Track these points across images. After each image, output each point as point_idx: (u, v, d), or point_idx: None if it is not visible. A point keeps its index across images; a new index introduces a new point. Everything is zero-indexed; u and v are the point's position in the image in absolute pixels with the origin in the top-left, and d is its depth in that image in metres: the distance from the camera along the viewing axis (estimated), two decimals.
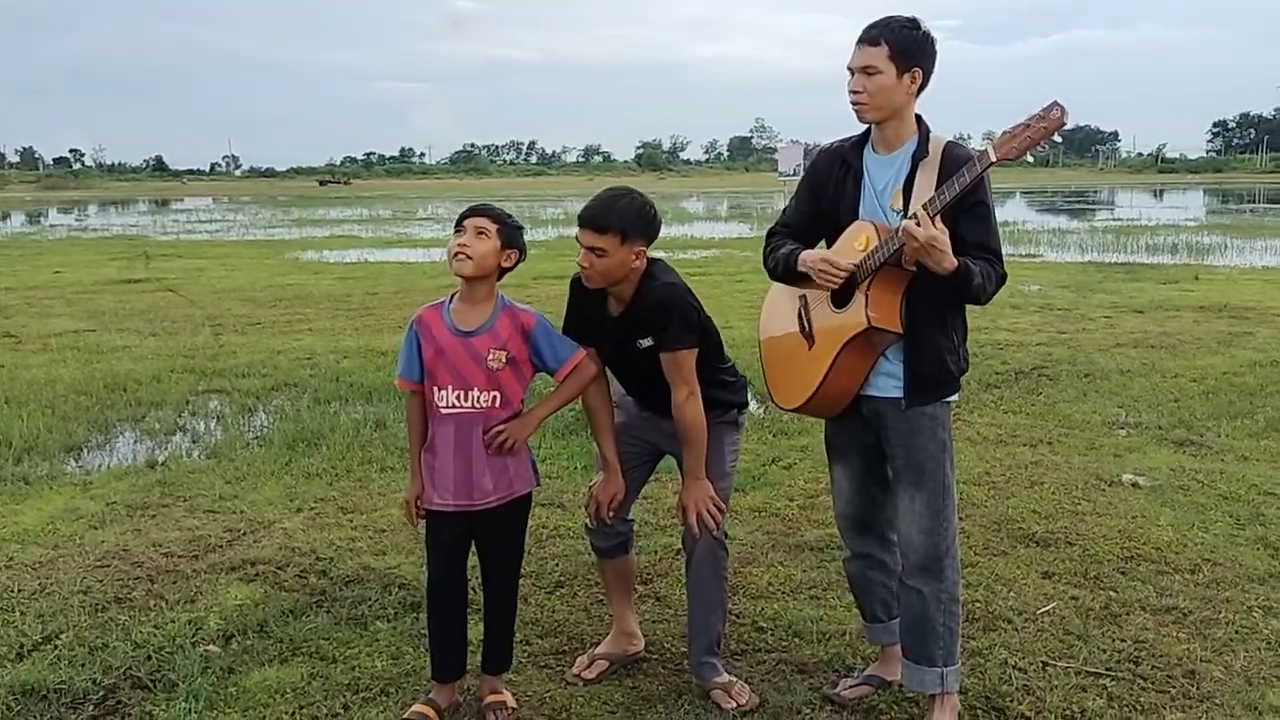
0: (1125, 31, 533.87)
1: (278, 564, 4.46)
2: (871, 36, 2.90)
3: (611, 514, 3.41)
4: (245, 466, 5.91)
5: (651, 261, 3.27)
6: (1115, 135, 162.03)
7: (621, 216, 3.14)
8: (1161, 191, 57.81)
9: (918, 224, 2.72)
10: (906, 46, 2.88)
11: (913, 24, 2.90)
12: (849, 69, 2.94)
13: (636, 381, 3.45)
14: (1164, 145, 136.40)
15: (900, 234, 2.77)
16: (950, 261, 2.76)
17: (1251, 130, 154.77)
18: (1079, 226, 27.15)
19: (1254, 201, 43.02)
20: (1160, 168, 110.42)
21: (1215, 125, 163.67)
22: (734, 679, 3.41)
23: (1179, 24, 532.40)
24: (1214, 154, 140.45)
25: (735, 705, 3.32)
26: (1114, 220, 30.74)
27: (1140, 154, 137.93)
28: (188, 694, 3.36)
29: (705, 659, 3.41)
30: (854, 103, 2.94)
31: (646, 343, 3.25)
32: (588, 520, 3.52)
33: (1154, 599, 4.05)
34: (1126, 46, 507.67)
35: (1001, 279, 2.92)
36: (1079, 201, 44.82)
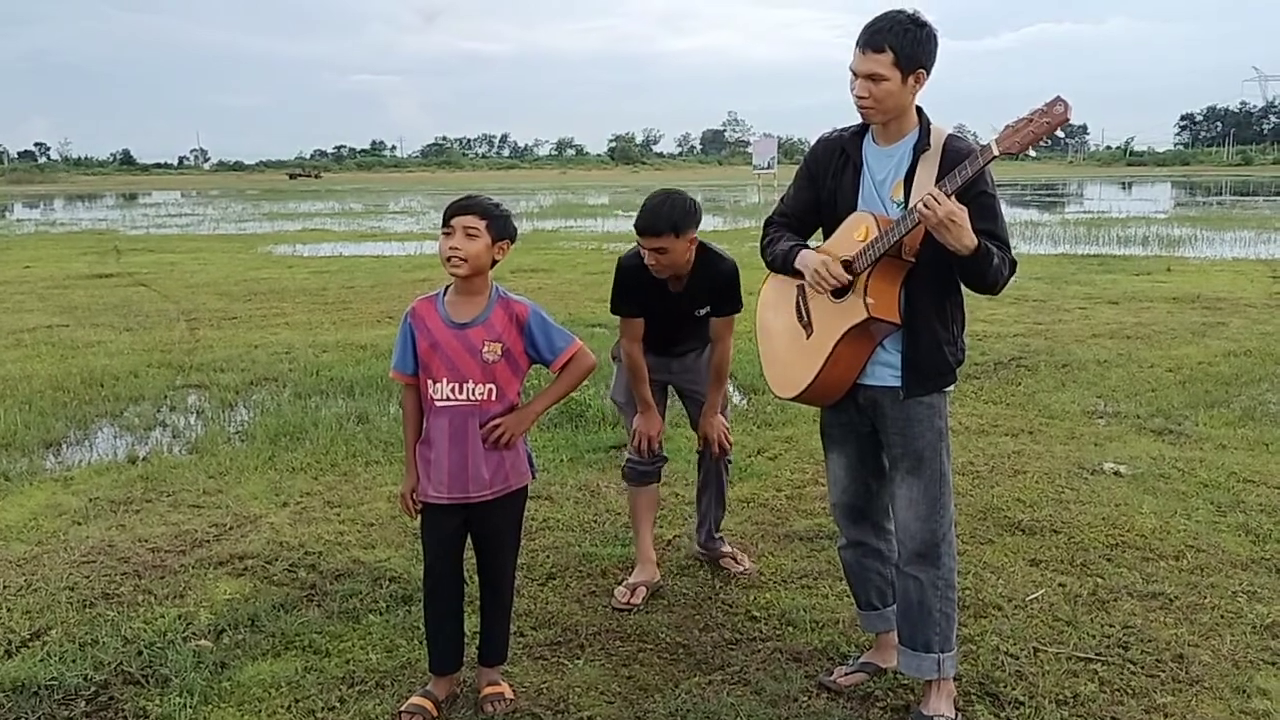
0: (1094, 26, 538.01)
1: (266, 558, 4.44)
2: (876, 43, 2.84)
3: (658, 445, 4.10)
4: (228, 461, 5.87)
5: (702, 242, 3.91)
6: (1084, 128, 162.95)
7: (669, 218, 3.73)
8: (1130, 184, 58.30)
9: (936, 200, 2.72)
10: (912, 51, 2.84)
11: (916, 23, 2.85)
12: (852, 70, 2.91)
13: (669, 339, 4.10)
14: (1132, 138, 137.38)
15: (916, 212, 2.77)
16: (970, 238, 2.76)
17: (1218, 123, 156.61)
18: (1050, 219, 27.32)
19: (1221, 193, 43.48)
20: (1129, 160, 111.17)
21: (1182, 119, 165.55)
22: (734, 549, 4.33)
23: (1148, 18, 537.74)
24: (1181, 147, 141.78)
25: (743, 569, 4.23)
26: (1085, 213, 30.97)
27: (1109, 147, 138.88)
28: (181, 689, 3.34)
29: (716, 534, 4.34)
30: (860, 106, 2.93)
31: (703, 311, 3.98)
32: (630, 456, 4.16)
33: (1140, 585, 4.10)
34: (1095, 40, 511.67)
35: (1013, 266, 2.93)
36: (1049, 194, 45.15)
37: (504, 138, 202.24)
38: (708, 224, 27.53)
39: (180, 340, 9.93)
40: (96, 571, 4.31)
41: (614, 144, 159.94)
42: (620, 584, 4.08)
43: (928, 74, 2.91)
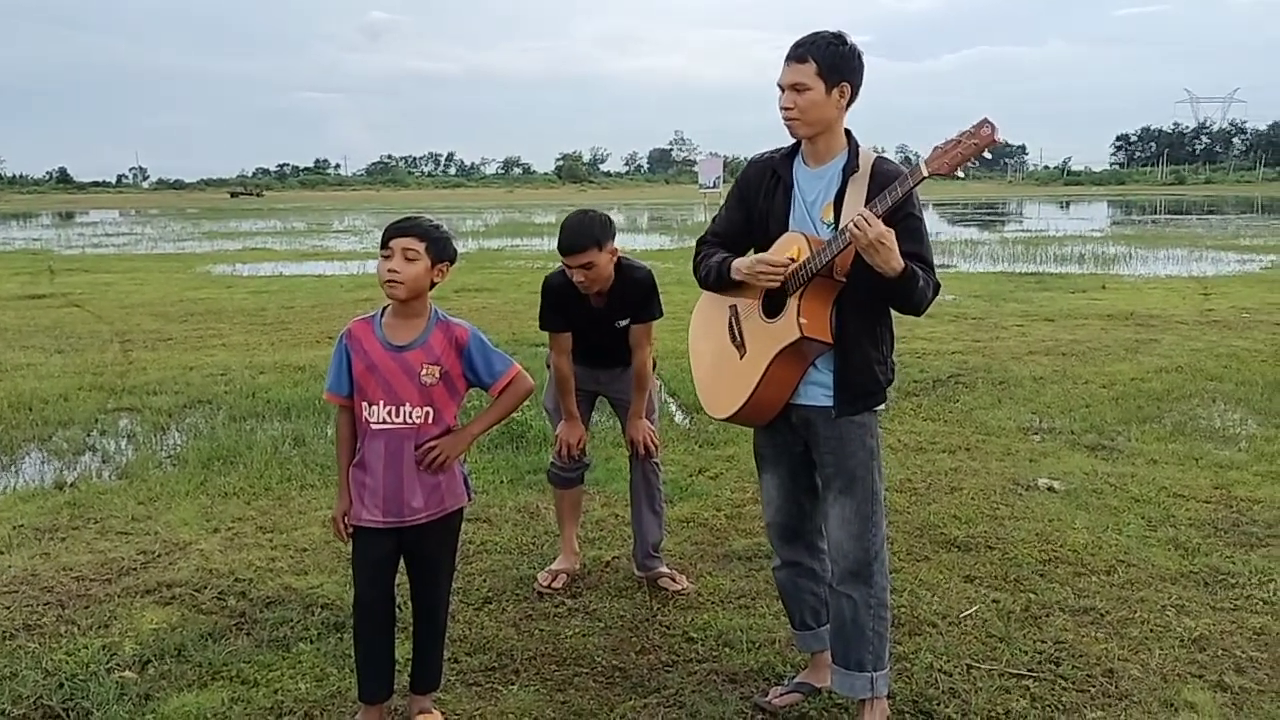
0: (1032, 48, 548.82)
1: (195, 586, 4.34)
2: (799, 54, 2.94)
3: (579, 452, 4.31)
4: (158, 486, 5.74)
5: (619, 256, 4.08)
6: (1023, 149, 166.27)
7: (590, 233, 3.95)
8: (1068, 203, 59.36)
9: (867, 222, 2.75)
10: (834, 62, 2.92)
11: (839, 40, 2.94)
12: (779, 85, 2.98)
13: (595, 351, 4.25)
14: (1069, 158, 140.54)
15: (847, 233, 2.80)
16: (898, 260, 2.80)
17: (1152, 144, 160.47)
18: (990, 237, 27.75)
19: (1155, 212, 44.49)
20: (1066, 180, 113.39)
21: (1118, 139, 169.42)
22: (671, 570, 4.37)
23: (1084, 41, 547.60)
24: (1117, 167, 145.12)
25: (680, 588, 4.26)
26: (1023, 231, 31.50)
27: (1047, 167, 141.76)
28: None
29: (653, 555, 4.37)
30: (786, 119, 2.99)
31: (624, 322, 4.13)
32: (554, 460, 4.39)
33: (1072, 600, 4.15)
34: (1033, 62, 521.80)
35: (937, 288, 2.98)
36: (989, 213, 45.85)
37: (450, 156, 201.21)
38: (654, 242, 27.74)
39: (113, 362, 9.72)
40: (18, 602, 4.19)
41: (561, 163, 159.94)
42: (544, 569, 4.40)
43: (853, 90, 2.97)
